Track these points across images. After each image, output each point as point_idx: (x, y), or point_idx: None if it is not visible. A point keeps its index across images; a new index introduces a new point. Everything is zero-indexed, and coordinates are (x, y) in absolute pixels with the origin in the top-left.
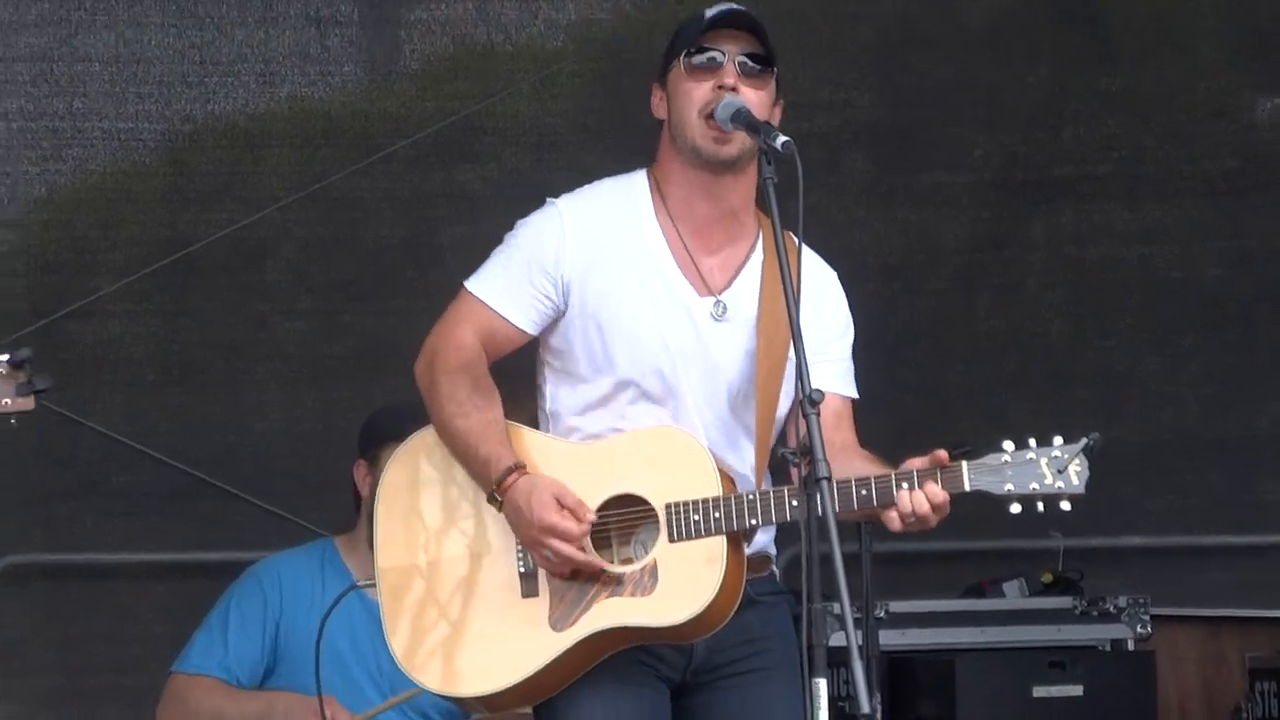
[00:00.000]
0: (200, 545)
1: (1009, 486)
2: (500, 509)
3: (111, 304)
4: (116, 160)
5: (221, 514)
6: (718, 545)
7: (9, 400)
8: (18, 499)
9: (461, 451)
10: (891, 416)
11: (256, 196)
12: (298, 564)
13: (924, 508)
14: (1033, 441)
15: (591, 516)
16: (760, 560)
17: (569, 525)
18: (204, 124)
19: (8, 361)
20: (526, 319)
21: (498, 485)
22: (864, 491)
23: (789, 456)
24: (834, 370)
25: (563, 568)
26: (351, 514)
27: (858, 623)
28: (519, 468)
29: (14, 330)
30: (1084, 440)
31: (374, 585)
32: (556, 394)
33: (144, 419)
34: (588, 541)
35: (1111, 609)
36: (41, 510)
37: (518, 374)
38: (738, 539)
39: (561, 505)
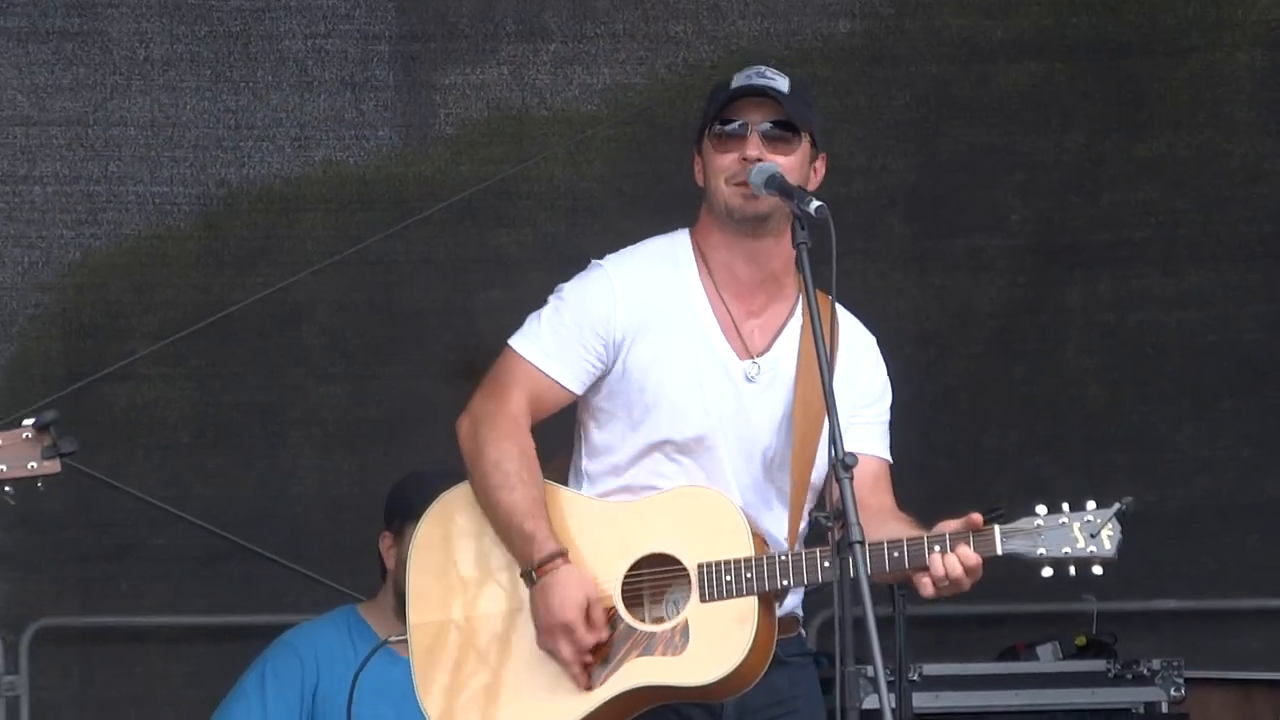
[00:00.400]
0: (234, 609)
1: (1041, 550)
2: (530, 586)
3: (146, 367)
4: (151, 224)
5: (255, 577)
6: (749, 606)
7: (35, 464)
8: (53, 561)
9: (504, 522)
10: (927, 481)
11: (291, 260)
12: (327, 631)
13: (956, 570)
14: (1066, 506)
15: (603, 635)
16: (789, 621)
17: (583, 634)
18: (239, 188)
19: (34, 425)
20: (575, 379)
21: (538, 566)
22: (896, 554)
23: (822, 520)
24: (871, 432)
25: (559, 658)
26: (377, 581)
27: (891, 685)
28: (562, 554)
29: (49, 393)
30: (1117, 505)
31: (404, 640)
32: (593, 451)
33: (178, 482)
34: (619, 600)
35: (1145, 672)
36: (76, 573)
37: (548, 429)
38: (769, 600)
39: (588, 611)
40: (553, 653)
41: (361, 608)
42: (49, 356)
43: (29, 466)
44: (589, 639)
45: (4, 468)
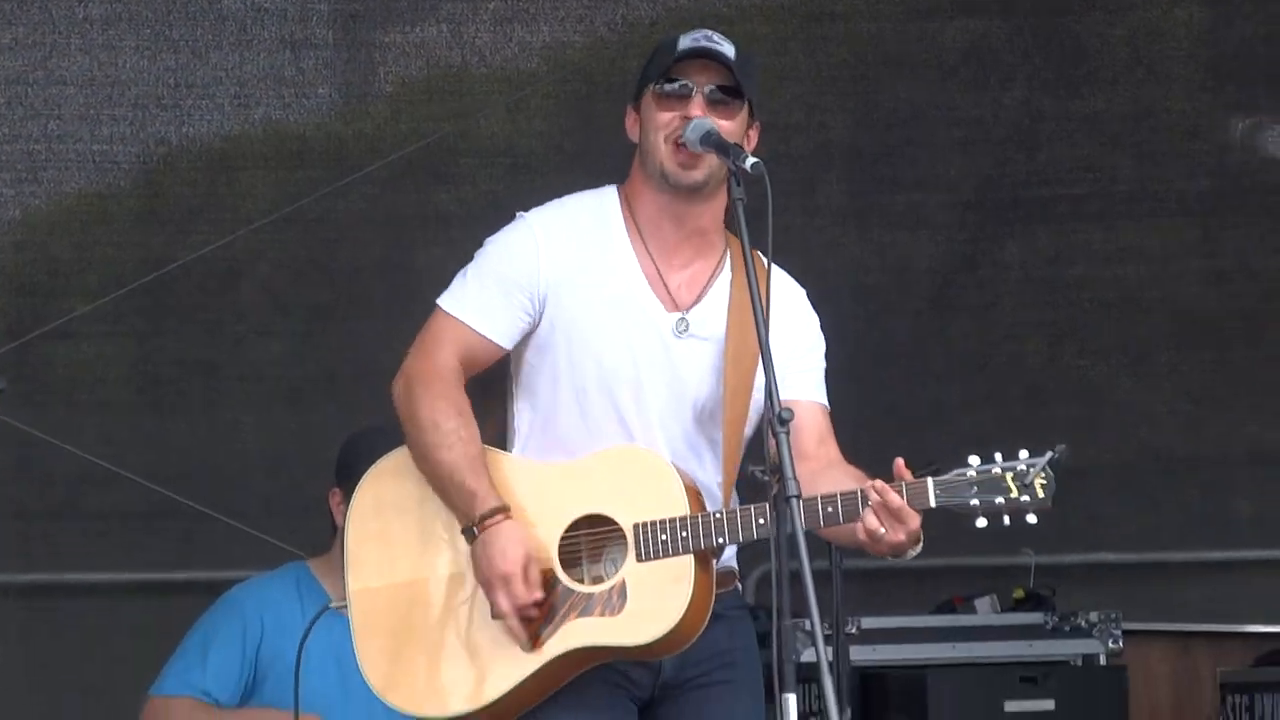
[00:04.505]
0: (175, 565)
1: (974, 501)
2: (471, 542)
3: (86, 325)
4: (91, 182)
5: (196, 534)
6: (685, 564)
7: None
8: None
9: (444, 480)
10: (866, 436)
11: (231, 219)
12: (274, 589)
13: (886, 517)
14: (998, 455)
15: (539, 595)
16: (725, 576)
17: (520, 590)
18: (178, 146)
19: None
20: (503, 334)
21: (480, 521)
22: (830, 509)
23: (759, 474)
24: (808, 380)
25: (495, 614)
26: (326, 537)
27: (828, 639)
28: (505, 510)
29: None
30: (1049, 453)
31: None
32: (524, 406)
33: (119, 440)
34: (556, 561)
35: (1083, 624)
36: (15, 530)
37: (481, 385)
38: (706, 557)
39: (526, 568)
40: (492, 607)
41: (312, 564)
42: None
43: None
44: (526, 595)
45: None
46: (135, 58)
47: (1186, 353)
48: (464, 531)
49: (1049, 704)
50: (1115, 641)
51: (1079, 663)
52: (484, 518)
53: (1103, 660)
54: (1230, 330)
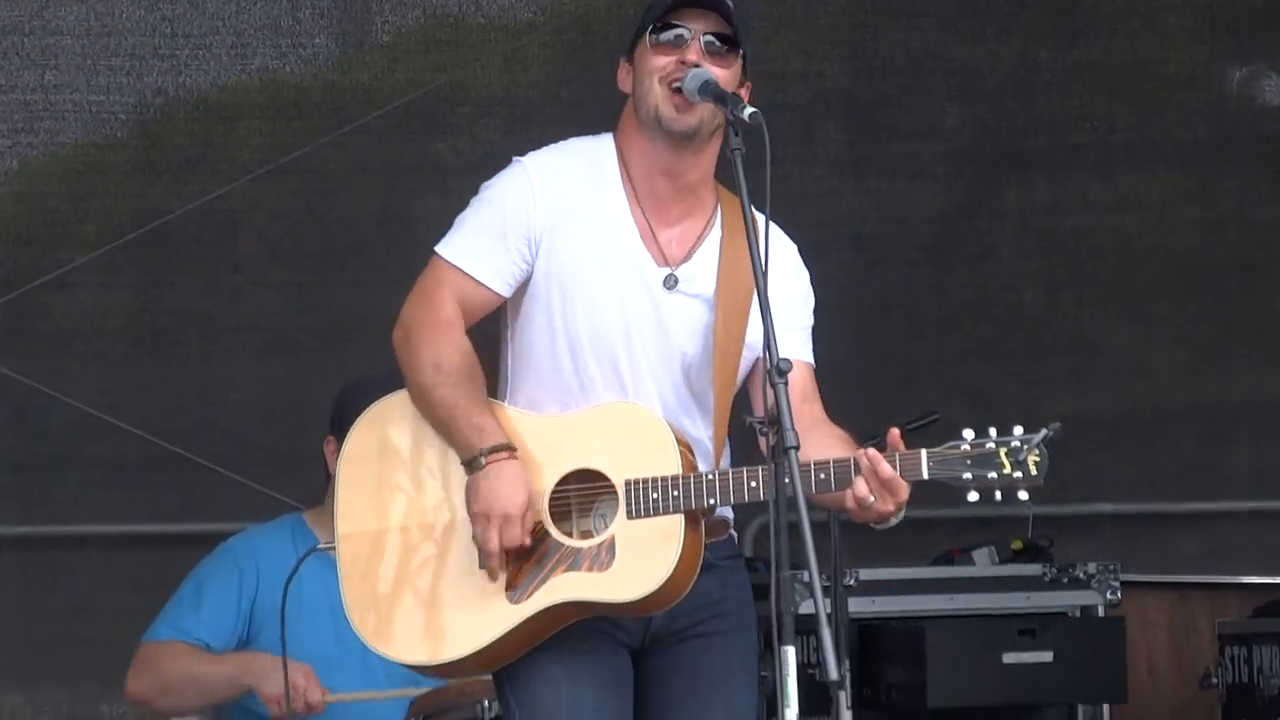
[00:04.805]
0: (172, 517)
1: (967, 475)
2: (473, 473)
3: (83, 276)
4: (88, 133)
5: (193, 486)
6: (675, 523)
7: None
8: None
9: (446, 418)
10: (863, 386)
11: (228, 169)
12: (270, 539)
13: (877, 487)
14: (993, 430)
15: (528, 542)
16: (718, 525)
17: (516, 530)
18: (175, 97)
19: None
20: (500, 280)
21: (487, 453)
22: (822, 475)
23: (757, 426)
24: (796, 338)
25: (483, 547)
26: (321, 487)
27: (826, 590)
28: (512, 449)
29: None
30: (1044, 431)
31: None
32: (517, 354)
33: (116, 391)
34: (547, 514)
35: (1081, 575)
36: (13, 482)
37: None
38: (696, 516)
39: (525, 511)
40: (483, 542)
41: (307, 515)
42: None
43: None
44: (519, 537)
45: None
46: (132, 8)
47: (1184, 302)
48: (467, 463)
49: (1047, 655)
50: (1113, 593)
51: (1077, 614)
52: (492, 450)
53: (1101, 612)
54: (1228, 279)
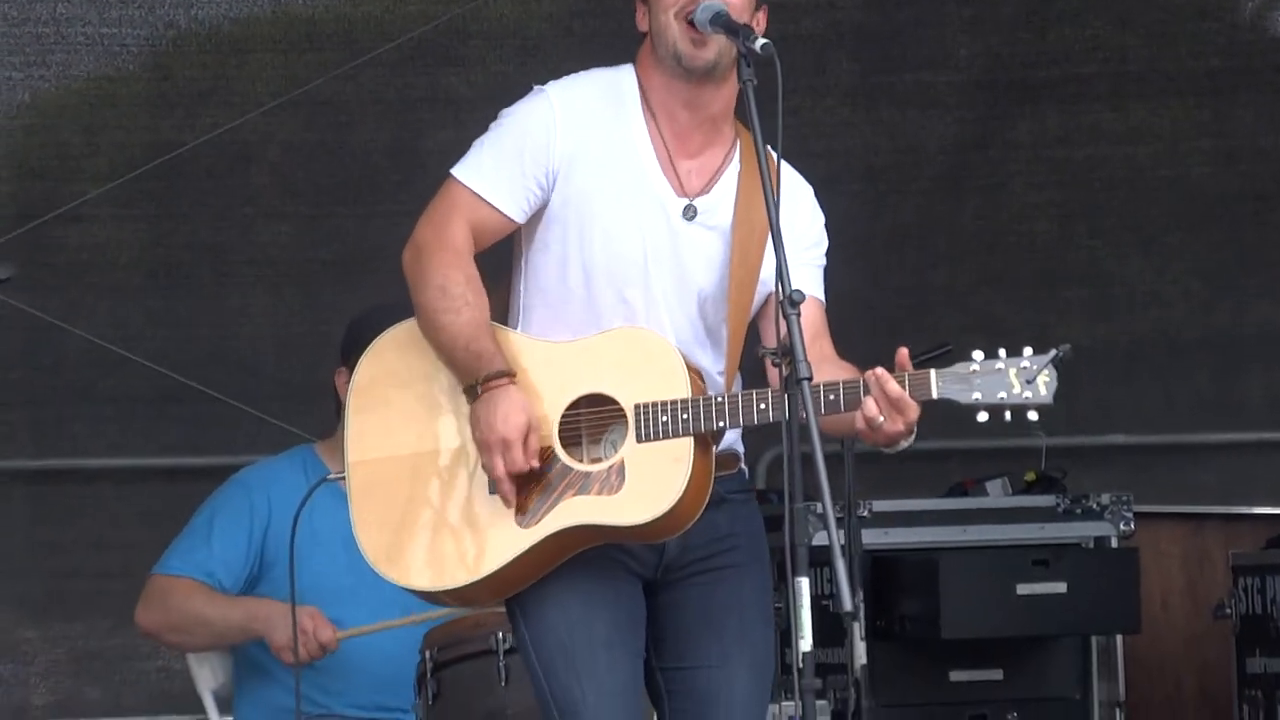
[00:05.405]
0: (186, 450)
1: (976, 395)
2: (472, 401)
3: (96, 209)
4: (100, 66)
5: (207, 418)
6: (684, 446)
7: None
8: (2, 404)
9: (449, 344)
10: (876, 317)
11: (240, 101)
12: (281, 470)
13: (886, 408)
14: (1002, 351)
15: (535, 464)
16: (728, 458)
17: (519, 454)
18: (187, 29)
19: None
20: (516, 207)
21: (484, 380)
22: (831, 396)
23: (770, 357)
24: (808, 275)
25: (490, 474)
26: (333, 419)
27: (840, 522)
28: (510, 375)
29: None
30: (1053, 351)
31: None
32: (530, 282)
33: (129, 324)
34: (556, 439)
35: (1095, 506)
36: (27, 415)
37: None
38: (706, 440)
39: (526, 435)
40: (489, 468)
41: (318, 447)
42: None
43: None
44: (523, 460)
45: None
46: None
47: (1197, 233)
48: (466, 390)
49: (1061, 586)
50: (1127, 524)
51: (1090, 545)
52: (489, 377)
53: (1114, 543)
54: (1240, 210)
